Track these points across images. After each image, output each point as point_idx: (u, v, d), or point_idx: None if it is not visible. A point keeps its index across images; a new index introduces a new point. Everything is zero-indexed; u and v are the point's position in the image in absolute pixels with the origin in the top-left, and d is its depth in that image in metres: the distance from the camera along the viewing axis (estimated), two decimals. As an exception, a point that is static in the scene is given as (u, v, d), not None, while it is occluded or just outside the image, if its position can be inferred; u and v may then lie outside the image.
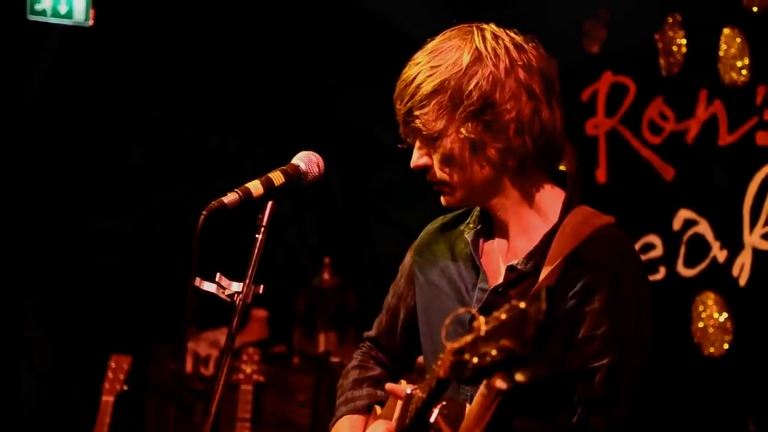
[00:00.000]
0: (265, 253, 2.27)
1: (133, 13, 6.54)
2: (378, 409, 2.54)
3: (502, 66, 2.20)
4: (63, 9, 5.47)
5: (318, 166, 2.37)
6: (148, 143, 7.64)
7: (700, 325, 4.43)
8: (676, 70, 4.64)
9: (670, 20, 4.66)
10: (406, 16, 5.90)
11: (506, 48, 2.22)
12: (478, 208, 2.41)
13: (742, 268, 4.28)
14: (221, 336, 6.17)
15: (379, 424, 2.25)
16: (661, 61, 4.70)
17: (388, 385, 2.24)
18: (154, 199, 7.45)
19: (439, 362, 1.82)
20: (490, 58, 2.19)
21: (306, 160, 2.35)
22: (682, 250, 4.57)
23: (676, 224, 4.59)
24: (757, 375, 4.17)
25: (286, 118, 7.43)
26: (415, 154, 2.32)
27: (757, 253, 4.23)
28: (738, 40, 4.33)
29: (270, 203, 2.28)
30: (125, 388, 4.89)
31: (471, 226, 2.42)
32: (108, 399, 4.86)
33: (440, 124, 2.21)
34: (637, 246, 4.50)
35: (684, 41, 4.62)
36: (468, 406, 2.15)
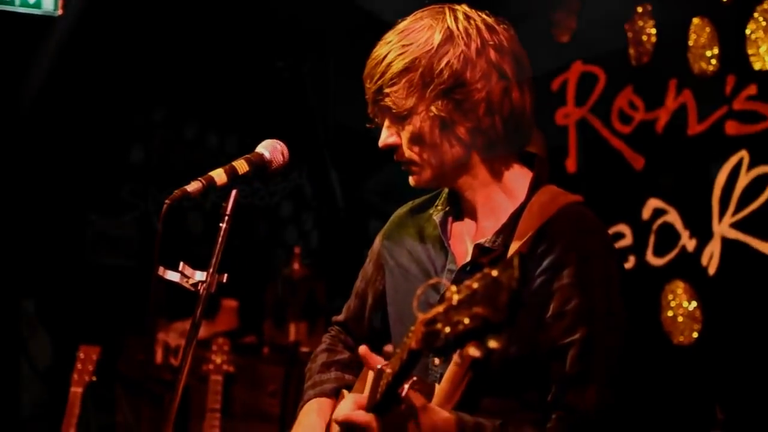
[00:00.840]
0: (265, 252, 2.27)
1: (131, 14, 6.53)
2: (345, 392, 2.53)
3: (473, 46, 2.19)
4: (31, -2, 5.43)
5: (282, 155, 2.36)
6: (148, 143, 7.64)
7: (670, 313, 4.44)
8: (646, 60, 4.65)
9: (640, 10, 4.67)
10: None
11: (478, 28, 2.22)
12: (446, 191, 2.41)
13: (711, 256, 4.30)
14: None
15: (349, 397, 2.23)
16: (631, 51, 4.70)
17: (362, 348, 2.22)
18: (154, 199, 7.43)
19: (411, 334, 1.80)
20: (462, 38, 2.19)
21: (270, 149, 2.34)
22: (652, 239, 4.58)
23: (646, 213, 4.60)
24: (726, 363, 4.19)
25: (287, 118, 7.41)
26: (384, 132, 2.32)
27: (726, 241, 4.24)
28: (707, 29, 4.34)
29: (234, 192, 2.26)
30: (94, 379, 4.86)
31: (439, 208, 2.42)
32: (77, 390, 4.83)
33: (410, 102, 2.20)
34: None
35: (654, 31, 4.62)
36: (437, 386, 2.15)
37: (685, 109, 4.42)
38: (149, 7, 6.65)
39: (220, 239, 2.23)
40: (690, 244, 4.39)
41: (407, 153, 2.28)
